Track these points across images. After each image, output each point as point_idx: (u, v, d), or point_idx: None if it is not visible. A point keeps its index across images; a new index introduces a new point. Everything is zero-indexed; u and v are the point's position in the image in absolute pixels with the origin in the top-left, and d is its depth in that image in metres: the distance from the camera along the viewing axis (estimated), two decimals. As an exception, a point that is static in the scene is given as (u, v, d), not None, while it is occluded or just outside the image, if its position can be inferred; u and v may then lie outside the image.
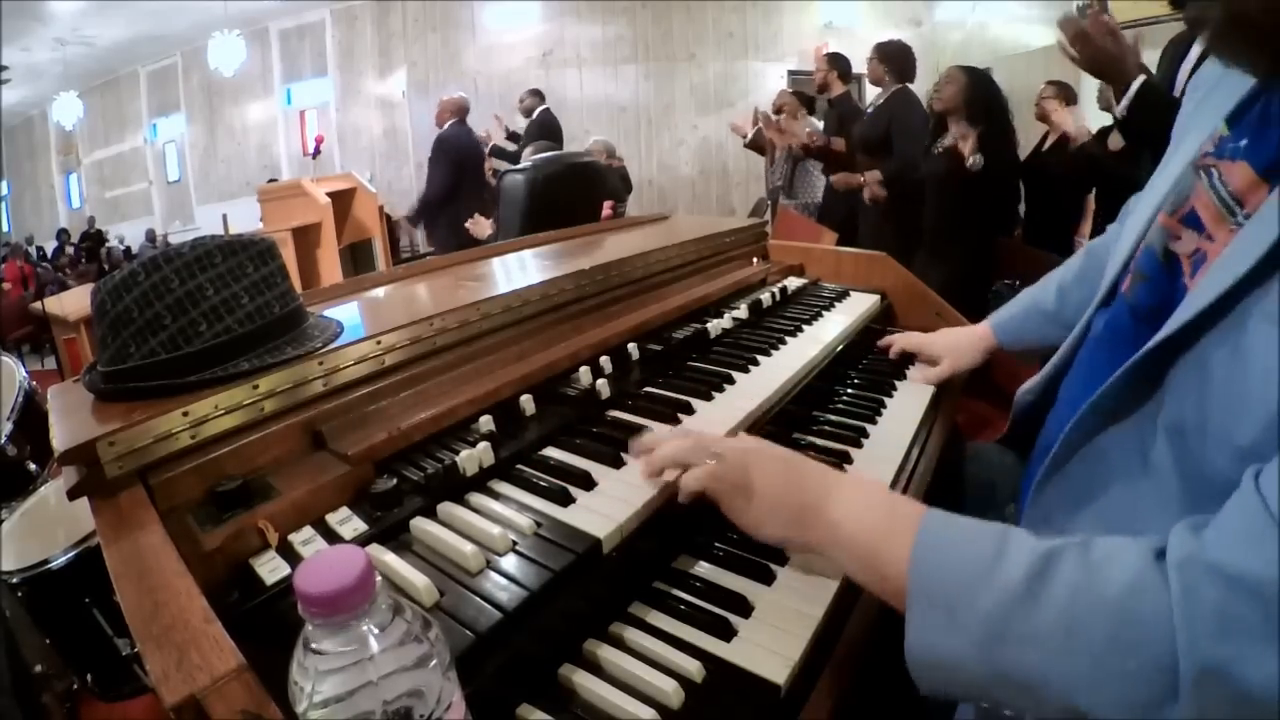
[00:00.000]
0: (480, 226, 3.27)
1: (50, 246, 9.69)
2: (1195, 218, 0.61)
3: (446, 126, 4.22)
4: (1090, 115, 3.52)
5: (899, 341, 1.24)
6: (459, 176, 4.15)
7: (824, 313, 1.29)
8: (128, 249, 8.92)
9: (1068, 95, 3.41)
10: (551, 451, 0.80)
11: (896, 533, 0.54)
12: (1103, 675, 0.44)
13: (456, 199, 4.10)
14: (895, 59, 3.41)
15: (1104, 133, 3.14)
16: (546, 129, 4.47)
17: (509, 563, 0.60)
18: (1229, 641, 0.40)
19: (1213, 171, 0.60)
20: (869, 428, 1.00)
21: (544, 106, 4.90)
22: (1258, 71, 0.56)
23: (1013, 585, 0.47)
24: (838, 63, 3.89)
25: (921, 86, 3.54)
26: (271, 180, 7.21)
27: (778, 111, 4.64)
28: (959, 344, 1.17)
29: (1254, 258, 0.50)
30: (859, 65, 4.06)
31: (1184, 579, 0.42)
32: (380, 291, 1.21)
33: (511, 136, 5.03)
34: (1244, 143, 0.58)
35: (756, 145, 4.84)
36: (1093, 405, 0.64)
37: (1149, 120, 1.50)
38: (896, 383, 1.15)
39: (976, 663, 0.48)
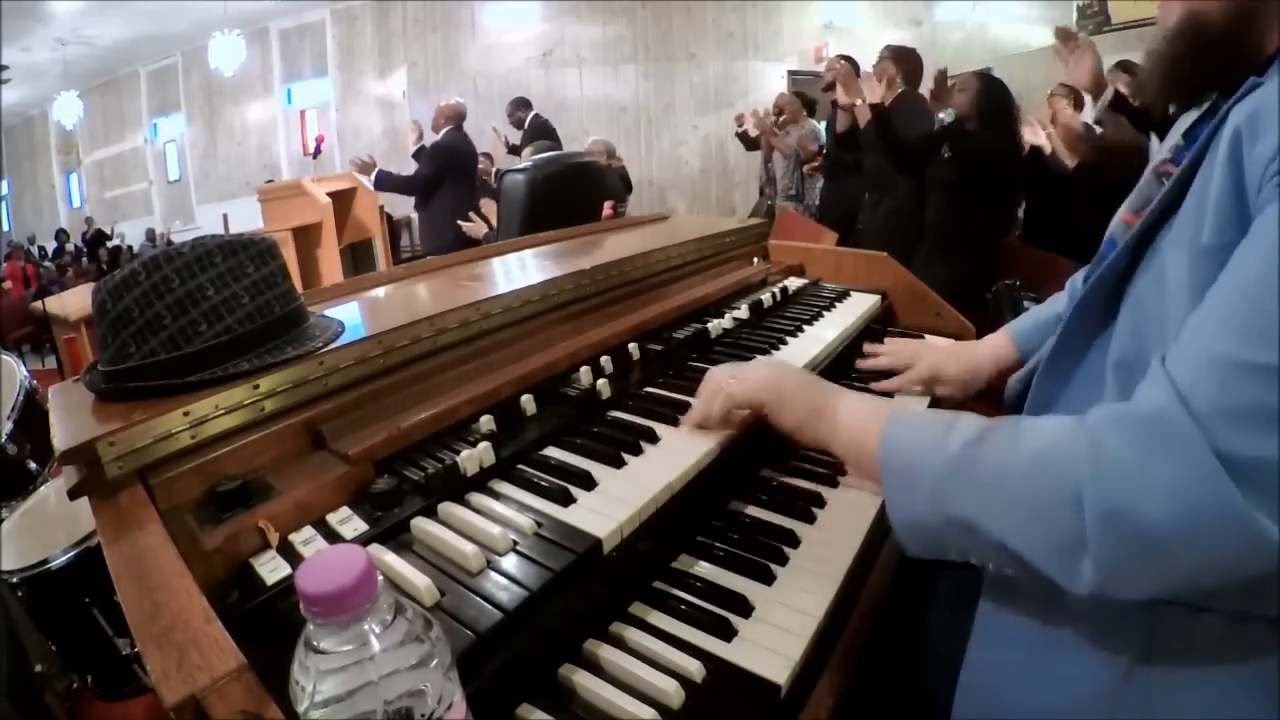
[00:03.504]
0: (476, 227, 3.27)
1: (51, 247, 9.70)
2: None
3: (444, 133, 4.24)
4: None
5: (880, 363, 1.11)
6: (443, 181, 4.15)
7: (824, 313, 1.29)
8: (130, 248, 8.93)
9: (1077, 98, 3.41)
10: (552, 451, 0.80)
11: (875, 426, 0.65)
12: (1023, 519, 0.51)
13: (444, 201, 4.14)
14: (907, 62, 3.40)
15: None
16: (542, 133, 4.47)
17: (509, 563, 0.60)
18: (1128, 481, 0.45)
19: (1167, 173, 0.69)
20: (869, 428, 0.99)
21: (534, 113, 4.87)
22: (1170, 104, 0.71)
23: (955, 450, 0.56)
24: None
25: (923, 88, 3.54)
26: (269, 181, 7.21)
27: (779, 113, 4.64)
28: (970, 368, 1.05)
29: (1161, 201, 0.62)
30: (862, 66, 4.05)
31: (1092, 430, 0.48)
32: (380, 291, 1.21)
33: (513, 150, 5.01)
34: (1186, 149, 0.68)
35: (748, 140, 4.84)
36: (1049, 358, 0.75)
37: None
38: (897, 383, 1.15)
39: (931, 515, 0.57)
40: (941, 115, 2.86)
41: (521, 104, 4.96)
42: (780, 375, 0.78)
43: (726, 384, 0.80)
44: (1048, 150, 3.07)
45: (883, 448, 0.62)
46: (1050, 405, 0.75)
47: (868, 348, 1.15)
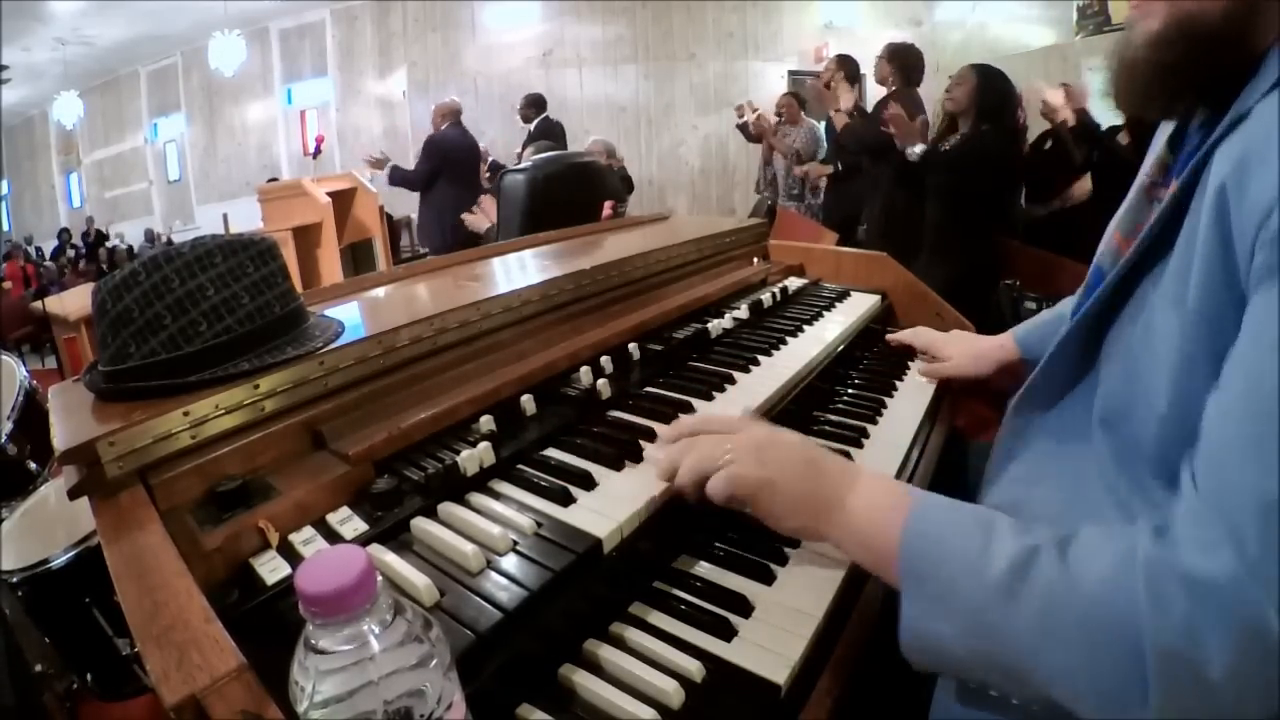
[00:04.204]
0: (479, 219, 3.27)
1: (50, 246, 9.69)
2: None
3: (443, 129, 4.32)
4: (1103, 115, 3.51)
5: (907, 338, 1.24)
6: (440, 174, 4.28)
7: (824, 313, 1.29)
8: (130, 248, 8.92)
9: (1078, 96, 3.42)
10: (552, 451, 0.80)
11: (893, 523, 0.57)
12: (1076, 670, 0.47)
13: (442, 197, 4.23)
14: (903, 60, 3.40)
15: (1114, 131, 3.15)
16: (545, 134, 4.47)
17: (509, 563, 0.60)
18: (1195, 645, 0.42)
19: (1159, 197, 0.66)
20: (870, 428, 1.00)
21: (544, 115, 4.82)
22: (1144, 115, 0.65)
23: (996, 581, 0.50)
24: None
25: (923, 86, 3.54)
26: (272, 180, 7.22)
27: (779, 114, 4.64)
28: (973, 349, 1.16)
29: (1145, 242, 0.59)
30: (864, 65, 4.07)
31: (1150, 583, 0.45)
32: (380, 291, 1.20)
33: (494, 168, 5.00)
34: (1176, 163, 0.65)
35: (749, 133, 4.85)
36: (1027, 391, 0.74)
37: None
38: (897, 383, 1.15)
39: (964, 650, 0.52)
40: (909, 152, 2.81)
41: (534, 102, 4.88)
42: (778, 473, 0.64)
43: (720, 472, 0.65)
44: (1070, 120, 3.02)
45: (905, 558, 0.55)
46: (1026, 433, 0.74)
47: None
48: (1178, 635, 0.43)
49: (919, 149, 2.75)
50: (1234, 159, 0.49)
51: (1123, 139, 3.02)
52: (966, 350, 1.16)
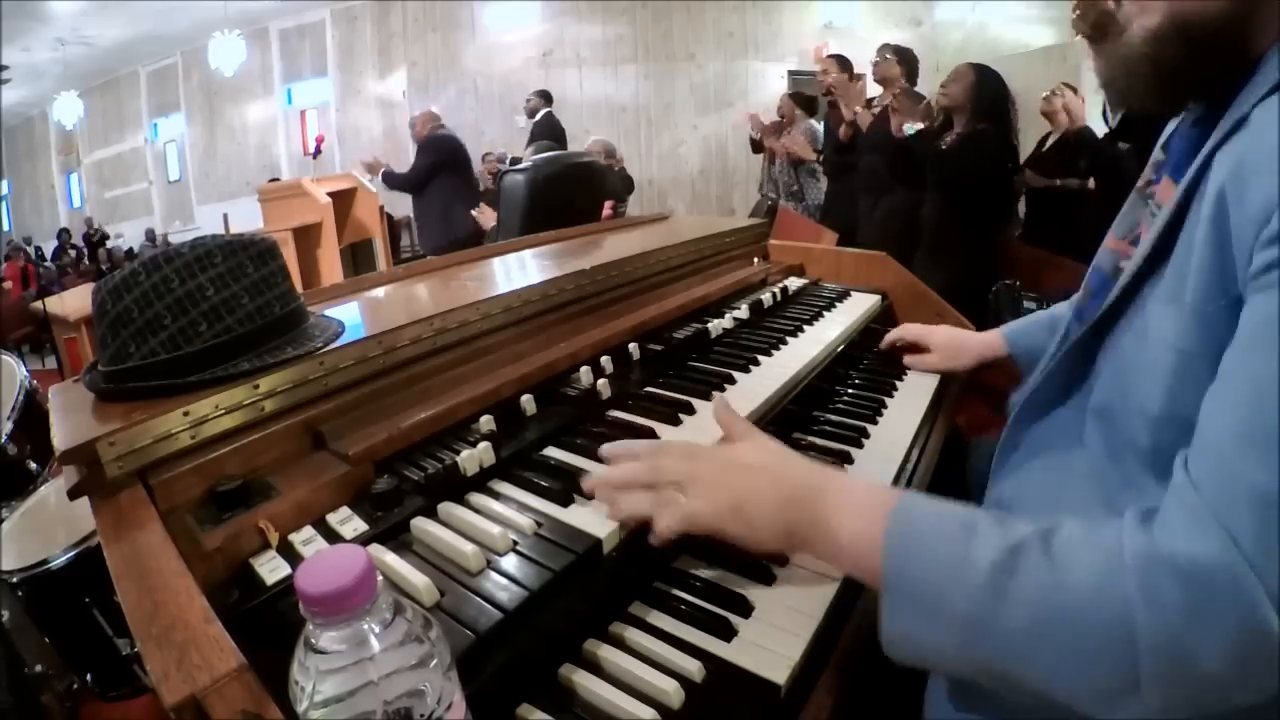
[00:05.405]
0: (486, 216, 3.30)
1: (50, 247, 9.69)
2: (1139, 240, 0.66)
3: (428, 136, 4.34)
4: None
5: (897, 331, 1.25)
6: (439, 173, 4.28)
7: (824, 313, 1.29)
8: (129, 249, 8.93)
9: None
10: (552, 451, 0.80)
11: (873, 536, 0.55)
12: (1071, 670, 0.46)
13: (440, 197, 4.25)
14: (908, 64, 3.41)
15: (1114, 136, 3.15)
16: (548, 133, 4.48)
17: (509, 563, 0.60)
18: (1187, 634, 0.42)
19: (1151, 194, 0.67)
20: (870, 428, 1.00)
21: (548, 109, 4.86)
22: (1144, 111, 0.64)
23: (982, 584, 0.49)
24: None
25: (922, 87, 3.54)
26: (273, 179, 7.22)
27: (780, 116, 4.64)
28: (957, 341, 1.19)
29: (1147, 249, 0.59)
30: (860, 65, 4.06)
31: (1142, 577, 0.44)
32: (380, 291, 1.21)
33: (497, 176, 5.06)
34: (1170, 161, 0.65)
35: (758, 144, 4.86)
36: (1031, 393, 0.74)
37: None
38: (897, 383, 1.15)
39: (956, 655, 0.51)
40: (906, 127, 2.85)
41: (541, 95, 4.95)
42: (744, 495, 0.61)
43: (681, 499, 0.63)
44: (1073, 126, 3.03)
45: (887, 563, 0.53)
46: (1025, 440, 0.75)
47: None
48: (1172, 627, 0.43)
49: (914, 126, 2.77)
50: (1233, 164, 0.49)
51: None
52: (949, 343, 1.19)
